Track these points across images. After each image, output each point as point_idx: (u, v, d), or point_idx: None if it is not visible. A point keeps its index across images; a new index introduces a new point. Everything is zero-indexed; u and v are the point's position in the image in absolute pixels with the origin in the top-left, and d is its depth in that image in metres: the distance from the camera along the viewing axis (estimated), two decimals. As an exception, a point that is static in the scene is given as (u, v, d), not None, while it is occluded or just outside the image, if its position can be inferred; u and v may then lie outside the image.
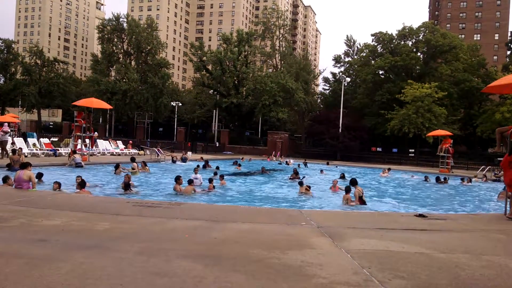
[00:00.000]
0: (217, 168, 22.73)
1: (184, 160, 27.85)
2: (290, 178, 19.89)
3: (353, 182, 11.79)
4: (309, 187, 14.70)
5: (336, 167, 32.22)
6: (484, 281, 4.19)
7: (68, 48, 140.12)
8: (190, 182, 13.26)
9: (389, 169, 29.08)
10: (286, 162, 34.00)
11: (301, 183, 14.97)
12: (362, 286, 3.90)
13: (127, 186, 12.67)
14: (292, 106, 58.94)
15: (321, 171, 25.57)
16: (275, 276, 4.07)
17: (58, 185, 11.22)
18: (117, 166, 18.55)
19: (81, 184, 10.87)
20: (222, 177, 16.61)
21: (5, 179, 10.81)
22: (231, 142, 54.67)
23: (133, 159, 20.27)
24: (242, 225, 6.76)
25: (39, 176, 12.38)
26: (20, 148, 19.83)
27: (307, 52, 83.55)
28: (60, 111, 69.99)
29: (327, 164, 33.28)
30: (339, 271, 4.35)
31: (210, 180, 13.93)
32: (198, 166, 20.60)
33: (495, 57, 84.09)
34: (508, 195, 8.81)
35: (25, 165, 10.44)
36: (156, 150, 29.92)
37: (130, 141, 40.31)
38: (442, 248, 5.58)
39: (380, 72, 57.72)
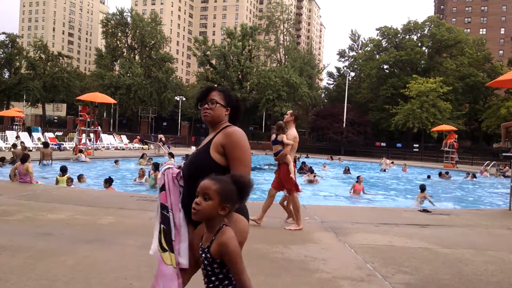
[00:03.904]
0: None
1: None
2: (298, 172, 19.94)
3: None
4: (315, 174, 16.36)
5: (337, 159, 32.14)
6: (488, 276, 4.19)
7: (72, 43, 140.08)
8: None
9: (392, 162, 29.08)
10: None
11: (311, 170, 16.54)
12: (365, 281, 3.90)
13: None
14: (296, 101, 58.82)
15: (324, 165, 25.52)
16: (278, 271, 4.08)
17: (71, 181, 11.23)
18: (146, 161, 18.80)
19: (108, 181, 10.84)
20: None
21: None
22: (234, 137, 54.60)
23: (171, 155, 20.05)
24: (246, 219, 6.75)
25: None
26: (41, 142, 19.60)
27: (311, 46, 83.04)
28: (65, 105, 70.01)
29: (331, 159, 33.17)
30: (342, 266, 4.35)
31: None
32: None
33: (501, 52, 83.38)
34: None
35: (24, 159, 10.43)
36: (161, 144, 29.96)
37: (138, 136, 40.32)
38: (446, 243, 5.57)
39: (385, 67, 57.43)
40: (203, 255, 1.91)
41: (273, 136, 6.41)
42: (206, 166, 2.24)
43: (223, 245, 1.84)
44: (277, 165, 6.46)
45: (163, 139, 30.37)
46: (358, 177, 13.80)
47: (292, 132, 6.40)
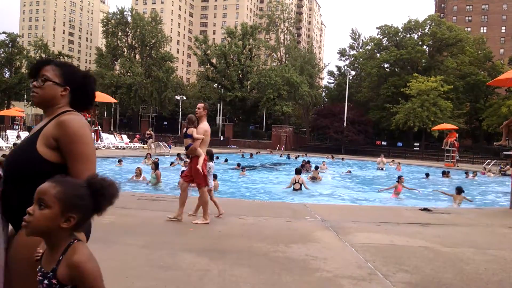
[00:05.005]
0: (226, 160, 23.29)
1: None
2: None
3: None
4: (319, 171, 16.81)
5: (340, 159, 32.09)
6: (489, 275, 4.18)
7: (73, 42, 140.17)
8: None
9: (393, 161, 29.07)
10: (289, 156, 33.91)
11: (316, 167, 16.90)
12: (366, 279, 3.90)
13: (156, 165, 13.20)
14: (297, 100, 58.73)
15: (323, 163, 25.48)
16: (279, 270, 4.08)
17: None
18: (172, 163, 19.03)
19: None
20: (243, 168, 17.49)
21: None
22: (235, 136, 54.61)
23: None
24: (246, 219, 6.77)
25: None
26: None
27: (311, 45, 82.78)
28: (65, 105, 70.16)
29: (332, 158, 33.07)
30: (343, 265, 4.35)
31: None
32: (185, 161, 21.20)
33: (502, 50, 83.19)
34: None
35: None
36: (162, 144, 29.99)
37: (137, 135, 40.37)
38: (447, 242, 5.57)
39: (385, 66, 57.34)
40: (46, 281, 1.41)
41: (184, 129, 6.55)
42: (29, 164, 1.74)
43: (77, 267, 1.39)
44: (190, 158, 6.63)
45: (152, 135, 30.58)
46: (399, 177, 13.07)
47: (203, 125, 6.49)
